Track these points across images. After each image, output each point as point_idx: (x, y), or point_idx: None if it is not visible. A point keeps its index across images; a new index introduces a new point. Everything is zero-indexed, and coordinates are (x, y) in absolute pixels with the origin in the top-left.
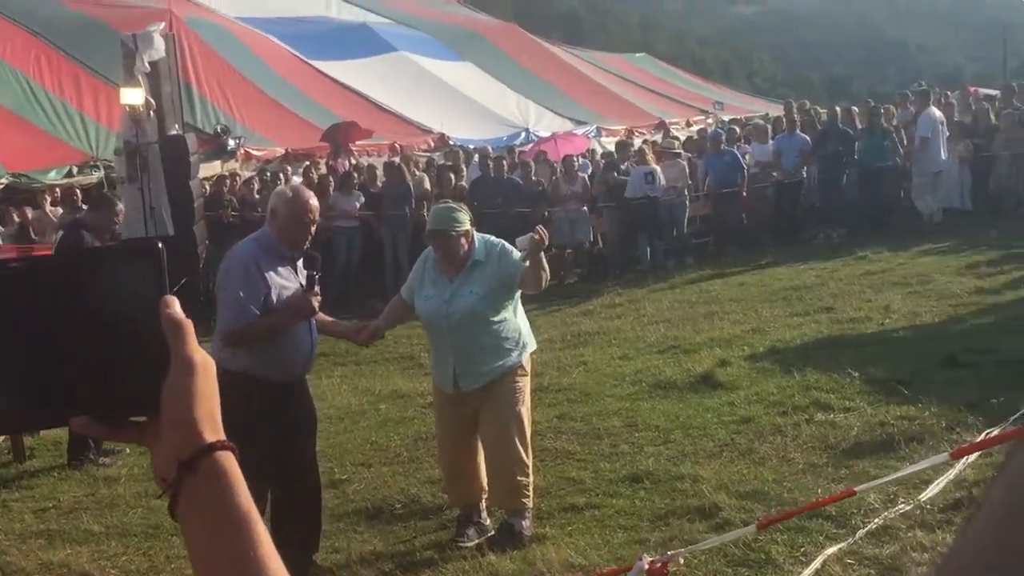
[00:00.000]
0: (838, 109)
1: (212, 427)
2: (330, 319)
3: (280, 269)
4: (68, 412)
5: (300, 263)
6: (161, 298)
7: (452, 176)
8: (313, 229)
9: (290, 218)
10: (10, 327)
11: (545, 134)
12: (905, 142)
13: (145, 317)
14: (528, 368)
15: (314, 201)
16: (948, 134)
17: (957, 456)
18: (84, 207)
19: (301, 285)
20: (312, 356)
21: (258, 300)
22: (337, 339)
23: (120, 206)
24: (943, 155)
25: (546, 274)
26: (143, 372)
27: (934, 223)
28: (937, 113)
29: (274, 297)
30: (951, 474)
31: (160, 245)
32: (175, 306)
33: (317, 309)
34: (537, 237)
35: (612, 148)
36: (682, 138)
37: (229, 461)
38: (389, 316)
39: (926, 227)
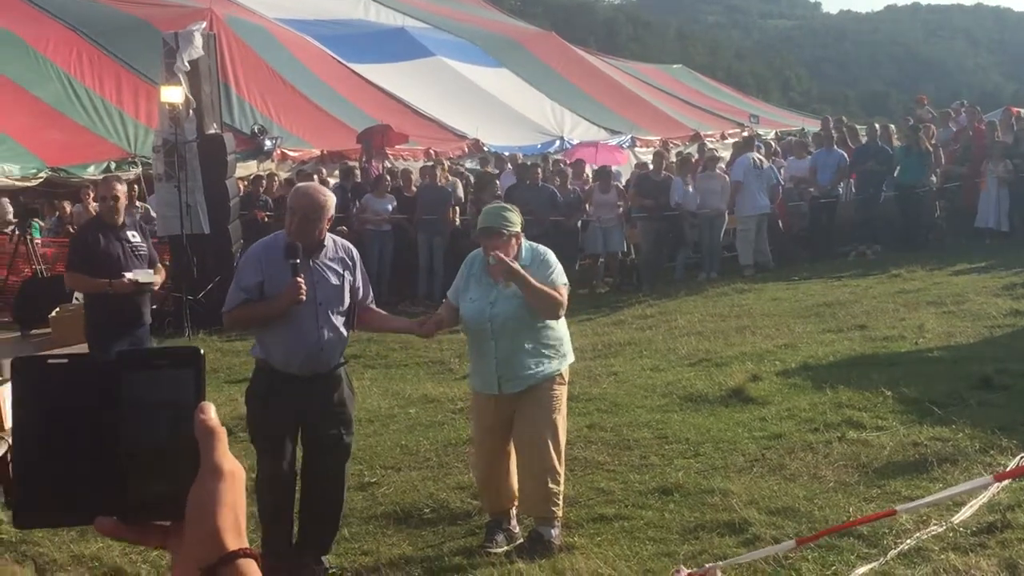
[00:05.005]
0: (877, 126)
1: (235, 535)
2: (389, 315)
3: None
4: (94, 512)
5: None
6: (198, 404)
7: (498, 181)
8: (316, 224)
9: (294, 212)
10: (45, 424)
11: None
12: (943, 161)
13: (180, 422)
14: (566, 378)
15: (321, 197)
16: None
17: (1001, 479)
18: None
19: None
20: (320, 350)
21: (250, 286)
22: (379, 336)
23: (120, 186)
24: (762, 199)
25: (544, 301)
26: (171, 477)
27: (746, 274)
28: (753, 158)
29: (275, 288)
30: (984, 497)
31: (202, 352)
32: (210, 412)
33: (301, 295)
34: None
35: (647, 159)
36: (719, 151)
37: (251, 568)
38: (447, 314)
39: (744, 274)
